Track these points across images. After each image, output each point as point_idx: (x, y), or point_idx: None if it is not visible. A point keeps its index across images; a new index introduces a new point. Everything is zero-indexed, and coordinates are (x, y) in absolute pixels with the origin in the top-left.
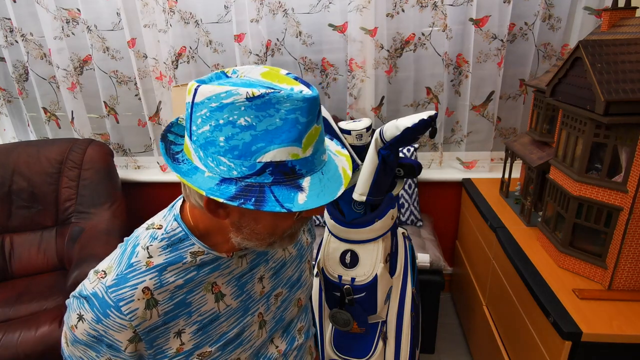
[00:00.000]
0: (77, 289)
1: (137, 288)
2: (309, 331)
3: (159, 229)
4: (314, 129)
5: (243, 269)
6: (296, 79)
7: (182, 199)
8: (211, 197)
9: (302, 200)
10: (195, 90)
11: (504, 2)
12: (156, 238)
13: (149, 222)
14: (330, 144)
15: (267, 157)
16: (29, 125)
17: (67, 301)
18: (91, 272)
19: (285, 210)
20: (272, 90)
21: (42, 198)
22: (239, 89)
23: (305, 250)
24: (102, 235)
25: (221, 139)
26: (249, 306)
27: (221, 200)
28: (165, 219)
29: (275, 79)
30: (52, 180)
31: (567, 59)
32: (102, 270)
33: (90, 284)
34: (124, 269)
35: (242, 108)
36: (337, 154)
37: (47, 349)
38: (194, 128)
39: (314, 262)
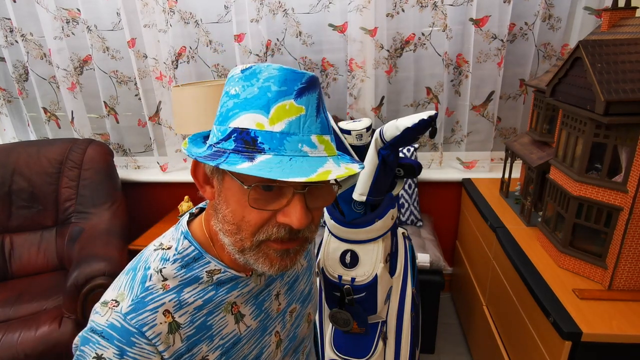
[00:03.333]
0: (84, 330)
1: (157, 311)
2: (309, 354)
3: (168, 249)
4: (290, 105)
5: (260, 287)
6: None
7: (187, 216)
8: (186, 153)
9: (242, 166)
10: None
11: (504, 2)
12: (168, 259)
13: (155, 242)
14: (347, 162)
15: (235, 123)
16: (29, 125)
17: (75, 350)
18: (97, 305)
19: (213, 164)
20: (261, 64)
21: (42, 198)
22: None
23: (313, 262)
24: (102, 235)
25: (219, 110)
26: (267, 325)
27: (186, 153)
28: (174, 238)
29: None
30: (52, 180)
31: (567, 59)
32: (113, 300)
33: (101, 317)
34: (139, 293)
35: (236, 79)
36: (343, 167)
37: (47, 348)
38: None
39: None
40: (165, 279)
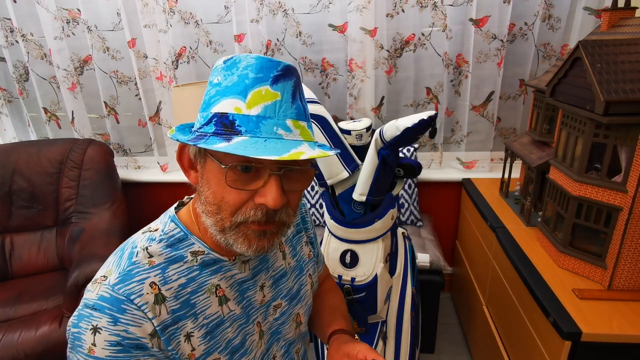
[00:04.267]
0: (77, 310)
1: (144, 283)
2: (305, 354)
3: (155, 231)
4: (266, 91)
5: (246, 275)
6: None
7: (176, 203)
8: (172, 138)
9: (219, 146)
10: None
11: (504, 2)
12: (154, 239)
13: (144, 228)
14: (317, 148)
15: (216, 108)
16: (29, 125)
17: (69, 333)
18: (88, 285)
19: (192, 144)
20: (242, 54)
21: (42, 198)
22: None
23: (306, 263)
24: (102, 235)
25: (203, 99)
26: (249, 314)
27: (172, 138)
28: (162, 222)
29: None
30: (52, 180)
31: (567, 59)
32: (102, 276)
33: (92, 293)
34: (126, 267)
35: (219, 69)
36: (318, 150)
37: (47, 348)
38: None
39: None
40: (151, 256)
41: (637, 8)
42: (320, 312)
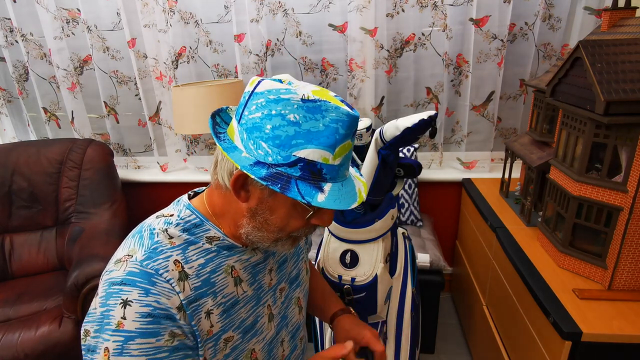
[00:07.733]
0: (102, 288)
1: (169, 260)
2: (306, 341)
3: (170, 216)
4: (347, 144)
5: (258, 259)
6: (342, 101)
7: (186, 195)
8: (245, 172)
9: (320, 199)
10: (258, 82)
11: (504, 2)
12: (171, 223)
13: (156, 214)
14: (350, 169)
15: (302, 153)
16: (29, 125)
17: (85, 329)
18: (109, 266)
19: (305, 202)
20: (324, 100)
21: (42, 198)
22: (298, 90)
23: (301, 250)
24: (102, 235)
25: (268, 126)
26: (260, 296)
27: (253, 177)
28: (176, 209)
29: (325, 96)
30: (52, 180)
31: (567, 59)
32: (126, 255)
33: (118, 271)
34: (150, 246)
35: (295, 106)
36: (356, 179)
37: (47, 348)
38: (245, 113)
39: (313, 262)
40: (171, 237)
41: (637, 8)
42: (310, 292)
